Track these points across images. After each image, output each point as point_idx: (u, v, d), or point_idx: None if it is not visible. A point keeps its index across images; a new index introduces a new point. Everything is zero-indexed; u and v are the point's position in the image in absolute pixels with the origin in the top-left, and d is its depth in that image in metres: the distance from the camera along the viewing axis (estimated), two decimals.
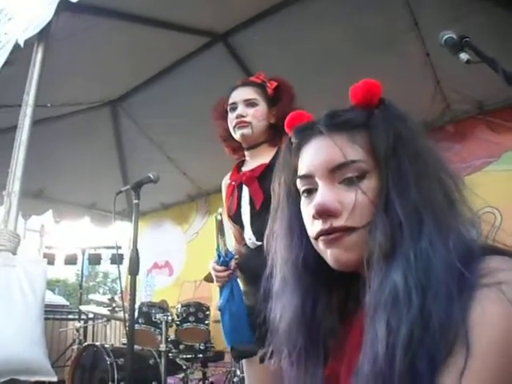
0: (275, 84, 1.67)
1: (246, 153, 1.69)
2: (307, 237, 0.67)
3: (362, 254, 0.60)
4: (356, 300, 0.63)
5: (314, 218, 0.64)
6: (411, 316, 0.51)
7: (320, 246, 0.64)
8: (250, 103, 1.62)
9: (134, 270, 1.87)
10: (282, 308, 0.70)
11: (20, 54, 2.31)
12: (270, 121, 1.63)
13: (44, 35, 2.20)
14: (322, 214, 0.62)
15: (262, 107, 1.63)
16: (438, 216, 0.57)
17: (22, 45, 2.19)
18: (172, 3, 2.68)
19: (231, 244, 1.70)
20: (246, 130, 1.60)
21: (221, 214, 1.51)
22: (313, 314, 0.67)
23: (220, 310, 1.53)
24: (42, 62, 2.21)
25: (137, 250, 1.89)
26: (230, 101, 1.66)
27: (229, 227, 1.72)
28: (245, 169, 1.68)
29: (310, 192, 0.66)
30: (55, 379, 1.86)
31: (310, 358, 0.68)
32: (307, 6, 2.82)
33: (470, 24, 2.47)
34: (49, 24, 2.12)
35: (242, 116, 1.60)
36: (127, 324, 1.89)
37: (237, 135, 1.63)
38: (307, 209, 0.66)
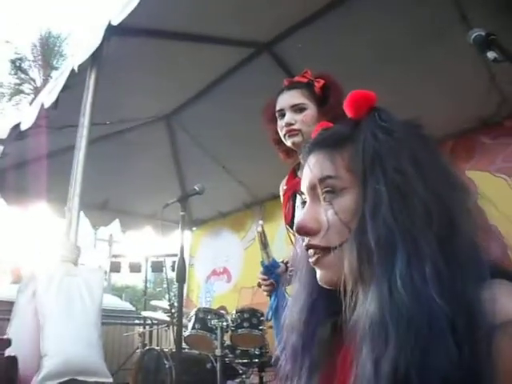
0: (322, 82, 1.57)
1: (300, 157, 1.62)
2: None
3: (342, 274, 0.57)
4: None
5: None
6: (390, 353, 0.47)
7: None
8: (297, 108, 1.55)
9: (181, 277, 1.95)
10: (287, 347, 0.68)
11: (77, 79, 2.50)
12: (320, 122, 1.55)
13: (96, 60, 2.37)
14: (300, 232, 0.61)
15: (311, 110, 1.55)
16: (417, 243, 0.51)
17: (76, 70, 2.37)
18: (213, 18, 2.77)
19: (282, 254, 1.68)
20: (297, 139, 1.53)
21: (262, 226, 1.48)
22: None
23: (267, 320, 1.54)
24: (96, 86, 2.38)
25: (183, 259, 1.97)
26: (278, 107, 1.60)
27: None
28: (301, 174, 1.61)
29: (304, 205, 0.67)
30: (111, 380, 1.99)
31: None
32: (351, 7, 2.79)
33: None
34: (99, 49, 2.29)
35: (291, 124, 1.53)
36: (175, 329, 1.96)
37: (288, 143, 1.57)
38: None
